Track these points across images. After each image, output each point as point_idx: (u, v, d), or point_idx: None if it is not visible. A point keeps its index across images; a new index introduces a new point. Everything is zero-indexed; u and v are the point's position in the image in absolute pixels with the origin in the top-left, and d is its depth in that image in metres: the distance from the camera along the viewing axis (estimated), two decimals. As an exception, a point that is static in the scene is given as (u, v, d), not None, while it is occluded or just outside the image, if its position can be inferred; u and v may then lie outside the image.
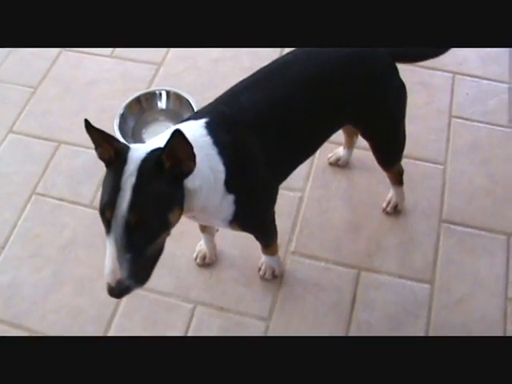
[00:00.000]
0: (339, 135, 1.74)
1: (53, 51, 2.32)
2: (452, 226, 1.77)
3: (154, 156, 1.14)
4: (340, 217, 1.81)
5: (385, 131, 1.57)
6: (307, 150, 1.54)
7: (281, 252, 1.71)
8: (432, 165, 1.91)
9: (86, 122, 1.13)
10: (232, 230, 1.46)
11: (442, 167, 1.90)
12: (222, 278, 1.72)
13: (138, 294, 1.56)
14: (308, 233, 1.78)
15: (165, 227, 1.17)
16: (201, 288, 1.71)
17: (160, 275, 1.64)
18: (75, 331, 1.66)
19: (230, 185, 1.30)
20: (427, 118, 2.03)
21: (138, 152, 1.16)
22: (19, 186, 1.95)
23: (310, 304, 1.66)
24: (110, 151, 1.16)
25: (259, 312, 1.65)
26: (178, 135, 1.09)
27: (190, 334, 1.63)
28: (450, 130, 2.01)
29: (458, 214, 1.80)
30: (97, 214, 1.15)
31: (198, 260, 1.76)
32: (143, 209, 1.12)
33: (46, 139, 2.06)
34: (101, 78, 2.23)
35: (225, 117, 1.35)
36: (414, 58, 1.61)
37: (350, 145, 1.87)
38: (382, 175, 1.74)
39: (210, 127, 1.29)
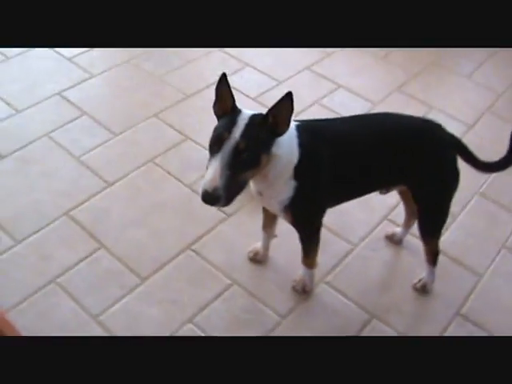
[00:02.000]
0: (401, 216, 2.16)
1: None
2: (465, 322, 2.06)
3: (262, 114, 1.61)
4: (377, 275, 2.15)
5: (431, 203, 1.94)
6: (362, 188, 1.94)
7: (317, 278, 2.08)
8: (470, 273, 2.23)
9: (224, 75, 1.62)
10: (285, 218, 1.86)
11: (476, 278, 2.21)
12: (263, 275, 2.10)
13: (193, 256, 2.01)
14: (346, 274, 2.14)
15: (256, 163, 1.60)
16: (243, 274, 2.09)
17: (217, 250, 2.08)
18: (133, 258, 2.11)
19: (297, 171, 1.71)
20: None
21: (247, 111, 1.63)
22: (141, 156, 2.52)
23: (321, 322, 1.99)
24: (227, 106, 1.63)
25: (280, 309, 2.00)
26: (289, 96, 1.56)
27: (219, 300, 2.01)
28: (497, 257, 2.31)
29: (475, 315, 2.09)
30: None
31: (250, 254, 2.15)
32: (250, 140, 1.56)
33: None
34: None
35: (314, 127, 1.80)
36: (476, 165, 2.00)
37: (407, 225, 2.23)
38: (422, 260, 2.10)
39: (298, 128, 1.74)
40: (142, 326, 1.91)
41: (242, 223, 2.26)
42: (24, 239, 2.12)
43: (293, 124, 1.73)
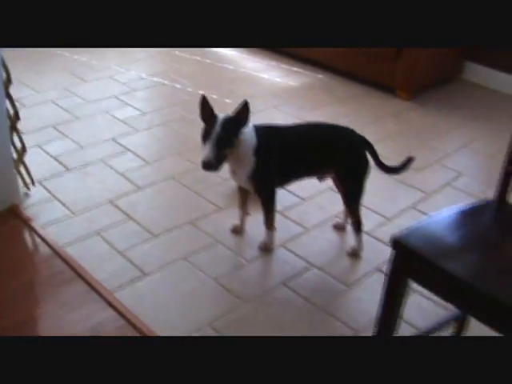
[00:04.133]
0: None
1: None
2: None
3: (231, 115, 2.75)
4: (322, 246, 3.15)
5: (352, 184, 2.97)
6: (301, 171, 3.01)
7: (276, 243, 3.09)
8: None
9: (204, 97, 2.79)
10: (249, 187, 2.93)
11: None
12: (240, 240, 3.13)
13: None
14: (299, 243, 3.14)
15: (231, 144, 2.72)
16: (227, 238, 3.13)
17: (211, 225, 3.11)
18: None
19: (255, 151, 2.81)
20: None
21: (221, 115, 2.75)
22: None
23: (276, 268, 2.99)
24: (209, 114, 2.78)
25: (247, 256, 3.02)
26: (247, 105, 2.71)
27: (209, 250, 3.03)
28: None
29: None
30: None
31: (232, 228, 3.18)
32: (225, 130, 2.68)
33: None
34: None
35: (266, 125, 2.93)
36: (376, 161, 3.01)
37: (345, 213, 3.23)
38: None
39: (255, 125, 2.86)
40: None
41: (230, 213, 3.29)
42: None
43: (251, 123, 2.84)
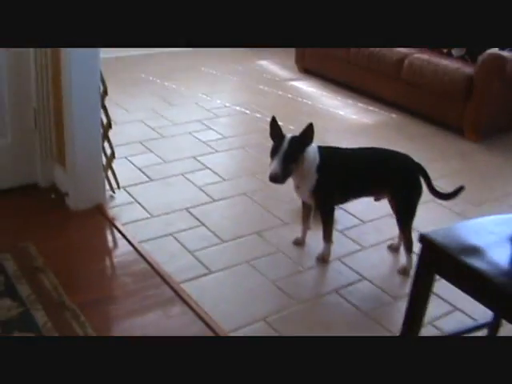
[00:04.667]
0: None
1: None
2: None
3: (297, 135, 3.08)
4: (375, 262, 3.41)
5: (405, 205, 3.25)
6: (358, 191, 3.32)
7: (332, 256, 3.37)
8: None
9: (273, 118, 3.14)
10: (311, 201, 3.24)
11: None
12: (301, 251, 3.43)
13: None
14: (356, 258, 3.42)
15: (295, 160, 3.05)
16: (291, 248, 3.43)
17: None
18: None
19: (318, 168, 3.13)
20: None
21: (289, 135, 3.09)
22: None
23: (329, 278, 3.27)
24: (278, 133, 3.11)
25: (305, 264, 3.31)
26: (311, 126, 3.04)
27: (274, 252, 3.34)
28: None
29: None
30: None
31: (294, 240, 3.47)
32: (291, 148, 3.02)
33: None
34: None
35: (329, 147, 3.26)
36: (430, 187, 3.29)
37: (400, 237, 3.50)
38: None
39: (319, 146, 3.19)
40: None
41: (294, 228, 3.59)
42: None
43: (315, 144, 3.16)
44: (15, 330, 2.66)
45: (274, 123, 3.11)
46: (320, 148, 3.18)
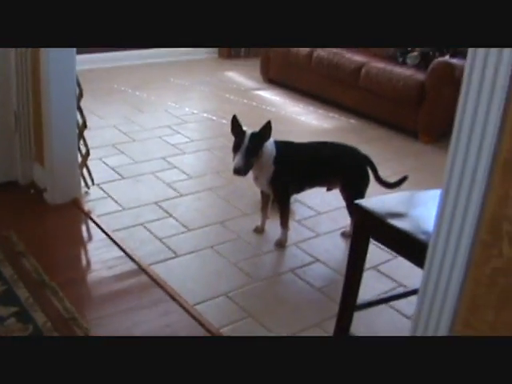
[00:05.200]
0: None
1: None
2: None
3: (257, 131, 3.42)
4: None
5: (354, 192, 3.58)
6: (311, 181, 3.67)
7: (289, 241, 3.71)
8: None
9: (235, 116, 3.48)
10: (269, 191, 3.58)
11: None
12: (260, 237, 3.76)
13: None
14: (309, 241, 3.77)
15: (256, 154, 3.41)
16: (250, 235, 3.77)
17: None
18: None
19: (274, 161, 3.48)
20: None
21: (249, 130, 3.43)
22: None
23: (284, 258, 3.61)
24: (240, 131, 3.46)
25: (264, 249, 3.65)
26: (269, 123, 3.39)
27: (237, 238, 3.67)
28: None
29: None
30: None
31: (254, 228, 3.81)
32: (252, 143, 3.38)
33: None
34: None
35: (284, 141, 3.60)
36: (376, 177, 3.65)
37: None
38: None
39: (275, 140, 3.53)
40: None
41: (254, 219, 3.93)
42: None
43: (272, 139, 3.51)
44: (0, 304, 2.94)
45: (234, 120, 3.46)
46: (276, 142, 3.53)
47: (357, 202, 2.41)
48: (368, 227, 2.39)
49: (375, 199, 2.48)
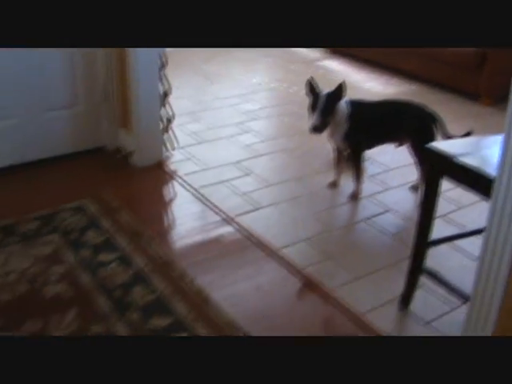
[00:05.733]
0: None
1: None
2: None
3: (332, 91, 3.70)
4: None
5: (420, 147, 3.82)
6: (383, 138, 3.92)
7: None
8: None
9: (311, 78, 3.75)
10: (343, 147, 3.86)
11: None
12: (333, 192, 4.04)
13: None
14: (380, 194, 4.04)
15: (331, 112, 3.69)
16: (324, 189, 4.05)
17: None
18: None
19: (348, 118, 3.75)
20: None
21: (324, 91, 3.71)
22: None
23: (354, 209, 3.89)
24: (316, 92, 3.71)
25: (338, 201, 3.93)
26: (343, 83, 3.67)
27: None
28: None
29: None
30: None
31: (329, 184, 4.09)
32: (328, 102, 3.66)
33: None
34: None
35: (357, 99, 3.87)
36: (443, 132, 3.88)
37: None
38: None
39: (349, 99, 3.80)
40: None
41: (328, 176, 4.20)
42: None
43: (345, 98, 3.78)
44: (103, 251, 3.29)
45: (311, 82, 3.72)
46: (350, 101, 3.79)
47: (427, 145, 2.66)
48: (439, 167, 2.64)
49: (444, 143, 2.74)
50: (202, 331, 2.71)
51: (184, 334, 2.69)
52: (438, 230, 3.03)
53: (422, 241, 2.82)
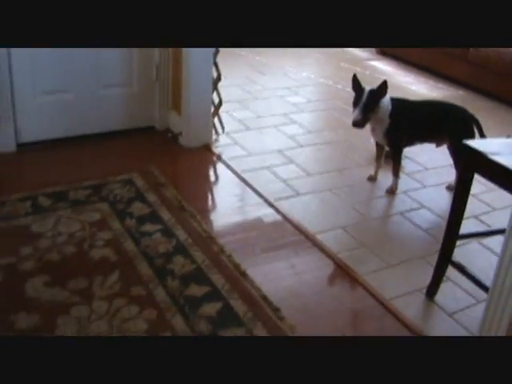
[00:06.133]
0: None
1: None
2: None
3: (374, 89, 3.83)
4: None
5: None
6: (423, 137, 4.04)
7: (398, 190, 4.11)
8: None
9: (355, 75, 3.89)
10: (384, 143, 3.99)
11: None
12: (373, 185, 4.18)
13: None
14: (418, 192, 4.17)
15: (373, 109, 3.81)
16: (366, 182, 4.19)
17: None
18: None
19: (390, 115, 3.88)
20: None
21: (367, 87, 3.83)
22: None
23: (391, 202, 4.02)
24: (360, 88, 3.85)
25: (376, 193, 4.07)
26: (386, 82, 3.79)
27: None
28: None
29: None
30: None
31: (369, 177, 4.22)
32: (370, 99, 3.78)
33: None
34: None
35: (399, 98, 3.99)
36: (481, 135, 3.99)
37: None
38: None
39: (391, 98, 3.92)
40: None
41: (368, 169, 4.33)
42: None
43: (388, 95, 3.91)
44: (147, 222, 3.46)
45: (355, 78, 3.85)
46: (392, 99, 3.91)
47: (464, 142, 2.79)
48: (472, 162, 2.77)
49: (480, 141, 2.87)
50: (235, 303, 2.86)
51: (219, 304, 2.84)
52: (469, 228, 3.16)
53: (452, 232, 2.94)
